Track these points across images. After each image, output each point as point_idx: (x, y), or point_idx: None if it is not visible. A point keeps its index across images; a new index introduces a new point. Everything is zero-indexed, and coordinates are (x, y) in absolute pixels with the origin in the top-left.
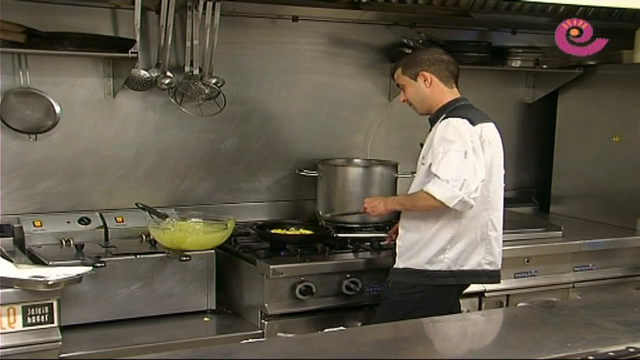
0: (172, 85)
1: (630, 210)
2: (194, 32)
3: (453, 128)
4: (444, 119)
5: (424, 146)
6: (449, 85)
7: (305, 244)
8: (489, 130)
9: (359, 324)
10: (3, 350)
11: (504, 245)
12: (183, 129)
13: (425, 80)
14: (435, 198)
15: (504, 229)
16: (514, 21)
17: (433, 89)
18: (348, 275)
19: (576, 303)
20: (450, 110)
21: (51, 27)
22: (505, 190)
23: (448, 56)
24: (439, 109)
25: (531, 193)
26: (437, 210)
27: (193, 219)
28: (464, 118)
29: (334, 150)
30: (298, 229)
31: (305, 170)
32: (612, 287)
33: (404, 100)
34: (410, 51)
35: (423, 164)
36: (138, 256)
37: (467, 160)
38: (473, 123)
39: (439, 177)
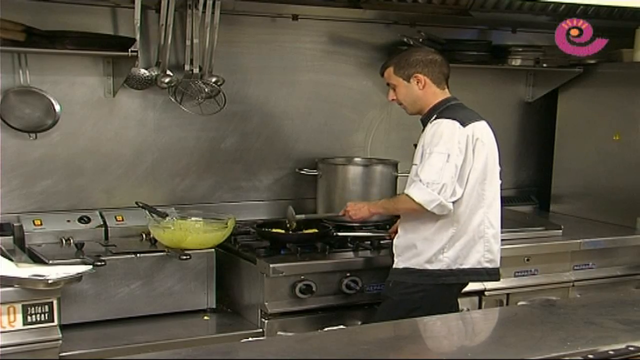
0: (172, 84)
1: (630, 209)
2: (194, 30)
3: (441, 130)
4: (434, 119)
5: (417, 147)
6: (441, 87)
7: (305, 243)
8: (481, 129)
9: (359, 323)
10: (3, 349)
11: (504, 244)
12: (183, 127)
13: (418, 82)
14: (414, 201)
15: (504, 227)
16: (514, 20)
17: (426, 90)
18: (348, 274)
19: (576, 302)
20: (441, 110)
21: (51, 26)
22: (505, 188)
23: (440, 56)
24: (430, 109)
25: (531, 192)
26: (418, 212)
27: (193, 218)
28: (454, 119)
29: (334, 149)
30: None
31: (305, 169)
32: (612, 285)
33: (393, 100)
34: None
35: (415, 164)
36: (138, 255)
37: (449, 164)
38: (464, 124)
39: (420, 180)
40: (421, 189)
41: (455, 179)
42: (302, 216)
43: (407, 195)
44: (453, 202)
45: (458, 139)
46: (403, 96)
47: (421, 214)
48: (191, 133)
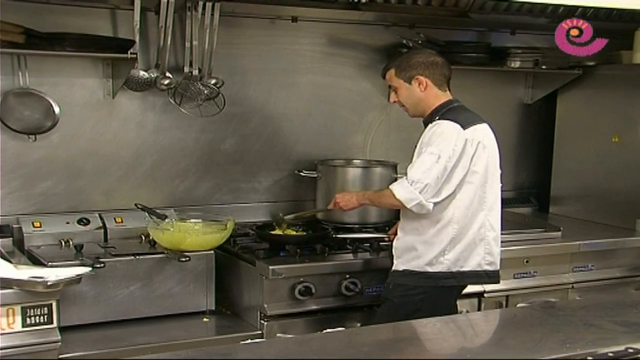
0: (172, 86)
1: (629, 211)
2: (193, 32)
3: (440, 130)
4: (435, 121)
5: (417, 147)
6: (443, 89)
7: (305, 245)
8: (483, 132)
9: (359, 325)
10: (2, 351)
11: (503, 246)
12: (182, 129)
13: (420, 84)
14: (395, 197)
15: (503, 229)
16: (513, 22)
17: (427, 92)
18: (347, 276)
19: (575, 303)
20: (443, 112)
21: (50, 28)
22: (504, 190)
23: (441, 58)
24: (432, 111)
25: (530, 193)
26: (399, 207)
27: (192, 220)
28: (454, 121)
29: (333, 151)
30: (297, 230)
31: (304, 171)
32: (612, 287)
33: (395, 102)
34: (406, 51)
35: None
36: (137, 257)
37: (437, 165)
38: (464, 126)
39: (406, 177)
40: (404, 187)
41: (441, 180)
42: (291, 216)
43: (390, 190)
44: (435, 203)
45: (455, 142)
46: (405, 98)
47: (420, 215)
48: (190, 135)
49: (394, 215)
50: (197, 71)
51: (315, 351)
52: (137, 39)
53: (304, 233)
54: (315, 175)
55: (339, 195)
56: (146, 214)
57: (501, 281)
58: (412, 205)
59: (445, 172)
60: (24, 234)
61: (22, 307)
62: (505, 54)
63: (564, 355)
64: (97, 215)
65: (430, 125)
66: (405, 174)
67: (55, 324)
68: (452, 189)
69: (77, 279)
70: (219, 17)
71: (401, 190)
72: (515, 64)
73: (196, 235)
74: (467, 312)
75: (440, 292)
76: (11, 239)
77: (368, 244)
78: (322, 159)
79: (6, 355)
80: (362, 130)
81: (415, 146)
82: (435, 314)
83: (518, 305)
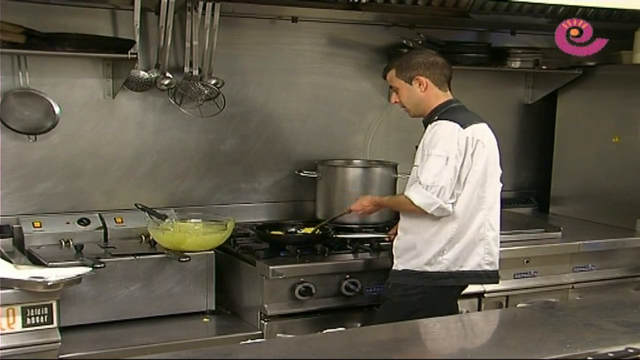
0: (172, 86)
1: (629, 211)
2: (194, 33)
3: (440, 131)
4: (435, 121)
5: (417, 148)
6: (443, 89)
7: (305, 245)
8: (482, 132)
9: (359, 325)
10: (2, 351)
11: (503, 246)
12: (182, 129)
13: (420, 85)
14: (414, 204)
15: (503, 229)
16: (513, 22)
17: (428, 93)
18: (347, 276)
19: (575, 304)
20: (442, 112)
21: (51, 28)
22: (504, 190)
23: (442, 58)
24: (432, 111)
25: (531, 194)
26: (419, 213)
27: (192, 220)
28: (454, 121)
29: (333, 151)
30: (298, 230)
31: (304, 171)
32: (612, 287)
33: (396, 102)
34: (407, 51)
35: (415, 165)
36: (137, 257)
37: (447, 166)
38: (463, 126)
39: (420, 183)
40: (420, 192)
41: (454, 181)
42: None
43: (406, 197)
44: (452, 204)
45: (457, 141)
46: (405, 98)
47: (422, 215)
48: (191, 135)
49: (394, 216)
50: (197, 71)
51: (315, 351)
52: (137, 39)
53: (308, 232)
54: (315, 176)
55: (357, 203)
56: (146, 214)
57: (501, 281)
58: (433, 210)
59: (455, 173)
60: (24, 234)
61: (22, 307)
62: (505, 54)
63: (564, 356)
64: (97, 215)
65: (429, 127)
66: (408, 173)
67: (55, 324)
68: (462, 187)
69: (77, 279)
70: (219, 17)
71: (418, 197)
72: (516, 64)
73: (196, 235)
74: (468, 312)
75: (440, 292)
76: (11, 239)
77: (368, 244)
78: (322, 159)
79: (6, 355)
80: (362, 131)
81: (416, 147)
82: (434, 314)
83: (518, 305)
